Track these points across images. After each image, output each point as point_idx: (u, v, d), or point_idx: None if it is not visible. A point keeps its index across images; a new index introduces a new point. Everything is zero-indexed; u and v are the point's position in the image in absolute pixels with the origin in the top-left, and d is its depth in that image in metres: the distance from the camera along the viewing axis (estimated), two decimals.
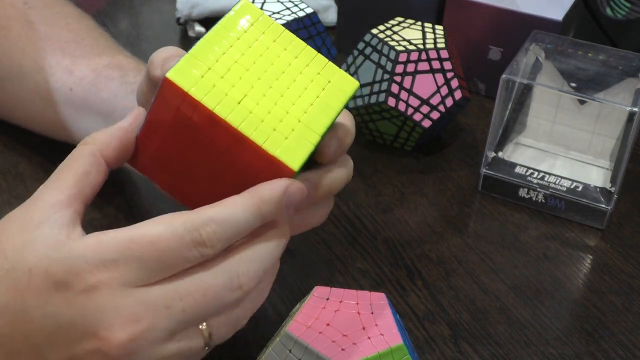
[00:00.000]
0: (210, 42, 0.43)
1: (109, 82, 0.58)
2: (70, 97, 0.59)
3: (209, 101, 0.40)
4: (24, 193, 0.63)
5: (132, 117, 0.43)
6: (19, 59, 0.62)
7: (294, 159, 0.41)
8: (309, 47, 0.45)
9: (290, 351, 0.43)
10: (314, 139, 0.42)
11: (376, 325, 0.44)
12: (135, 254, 0.37)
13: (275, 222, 0.41)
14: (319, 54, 0.45)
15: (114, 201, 0.62)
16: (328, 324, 0.44)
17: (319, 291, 0.46)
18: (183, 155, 0.43)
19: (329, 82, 0.44)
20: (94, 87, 0.58)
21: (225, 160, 0.41)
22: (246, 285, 0.39)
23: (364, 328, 0.44)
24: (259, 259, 0.40)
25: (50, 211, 0.39)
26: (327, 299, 0.46)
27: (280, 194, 0.40)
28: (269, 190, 0.40)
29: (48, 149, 0.66)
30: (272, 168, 0.41)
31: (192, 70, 0.41)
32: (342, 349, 0.43)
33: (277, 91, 0.43)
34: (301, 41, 0.45)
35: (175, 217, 0.38)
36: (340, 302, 0.46)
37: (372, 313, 0.45)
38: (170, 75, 0.40)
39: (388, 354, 0.43)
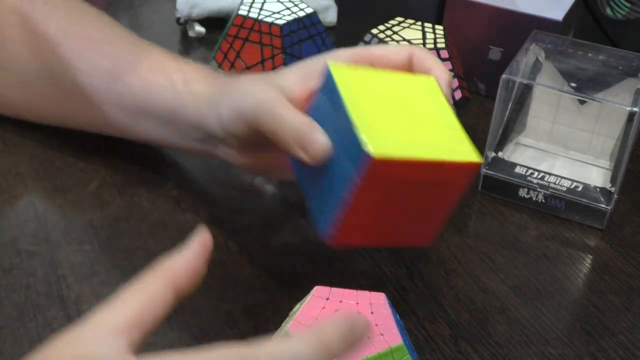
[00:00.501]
0: (356, 107, 0.47)
1: (162, 92, 0.58)
2: (121, 103, 0.59)
3: (403, 152, 0.45)
4: (24, 193, 0.63)
5: (201, 244, 0.40)
6: (49, 59, 0.62)
7: (471, 155, 0.47)
8: (409, 74, 0.53)
9: None
10: (462, 133, 0.49)
11: (376, 325, 0.44)
12: None
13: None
14: (424, 76, 0.52)
15: (115, 201, 0.62)
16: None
17: (319, 291, 0.46)
18: (383, 208, 0.48)
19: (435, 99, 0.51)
20: (147, 95, 0.58)
21: (420, 190, 0.48)
22: None
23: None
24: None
25: (106, 335, 0.36)
26: (327, 299, 0.45)
27: (343, 323, 0.36)
28: (330, 324, 0.36)
29: (48, 149, 0.66)
30: (462, 172, 0.48)
31: (380, 139, 0.45)
32: None
33: (417, 121, 0.49)
34: (395, 72, 0.53)
35: (234, 350, 0.34)
36: (340, 302, 0.45)
37: (372, 313, 0.45)
38: (378, 153, 0.44)
39: (388, 354, 0.43)
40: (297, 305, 0.47)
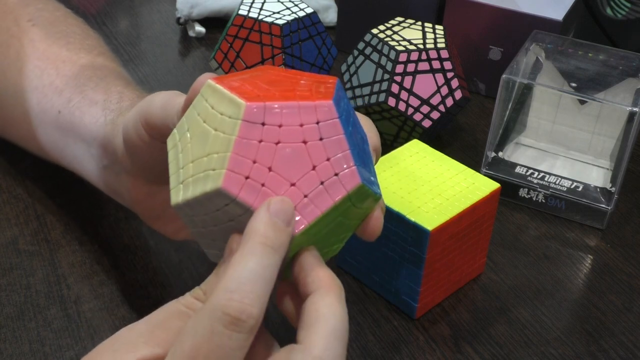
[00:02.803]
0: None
1: (92, 107, 0.54)
2: (58, 120, 0.56)
3: (444, 215, 0.53)
4: (24, 193, 0.63)
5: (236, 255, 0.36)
6: (15, 78, 0.60)
7: (489, 183, 0.56)
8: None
9: (226, 205, 0.36)
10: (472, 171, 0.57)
11: (328, 159, 0.36)
12: None
13: (323, 281, 0.36)
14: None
15: (115, 201, 0.62)
16: (270, 169, 0.36)
17: (249, 112, 0.36)
18: (446, 264, 0.55)
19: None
20: (78, 110, 0.55)
21: (466, 232, 0.55)
22: None
23: (314, 168, 0.36)
24: (339, 336, 0.34)
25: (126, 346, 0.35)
26: (263, 125, 0.36)
27: (267, 216, 0.35)
28: (258, 221, 0.35)
29: None
30: (490, 201, 0.56)
31: (419, 213, 0.52)
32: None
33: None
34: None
35: (197, 314, 0.34)
36: (280, 126, 0.36)
37: (320, 139, 0.37)
38: (432, 227, 0.51)
39: (345, 200, 0.36)
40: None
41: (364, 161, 0.38)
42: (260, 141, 0.36)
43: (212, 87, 0.37)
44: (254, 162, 0.35)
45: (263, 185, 0.35)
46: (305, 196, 0.36)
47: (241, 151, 0.35)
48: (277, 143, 0.36)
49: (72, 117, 0.55)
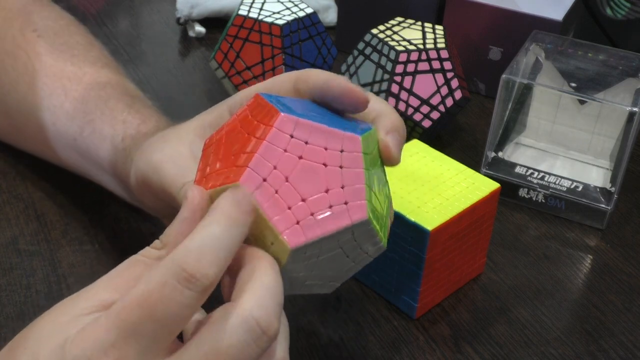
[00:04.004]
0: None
1: (103, 142, 0.55)
2: (75, 146, 0.58)
3: (444, 215, 0.53)
4: (24, 193, 0.63)
5: (193, 203, 0.38)
6: (24, 92, 0.61)
7: (487, 184, 0.56)
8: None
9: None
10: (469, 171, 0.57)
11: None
12: (128, 325, 0.33)
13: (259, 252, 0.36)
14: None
15: (115, 201, 0.62)
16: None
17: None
18: (445, 265, 0.55)
19: None
20: (92, 143, 0.56)
21: (465, 233, 0.55)
22: (270, 328, 0.34)
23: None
24: (272, 292, 0.35)
25: (93, 308, 0.36)
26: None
27: (232, 197, 0.35)
28: (224, 198, 0.35)
29: None
30: (490, 201, 0.56)
31: (419, 213, 0.53)
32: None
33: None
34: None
35: (156, 265, 0.34)
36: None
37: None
38: (431, 226, 0.51)
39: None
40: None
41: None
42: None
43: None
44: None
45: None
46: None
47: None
48: (299, 157, 0.37)
49: (87, 147, 0.57)
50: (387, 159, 0.41)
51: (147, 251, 0.38)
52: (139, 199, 0.51)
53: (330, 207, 0.37)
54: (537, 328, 0.55)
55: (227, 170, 0.37)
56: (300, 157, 0.37)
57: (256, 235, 0.36)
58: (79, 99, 0.58)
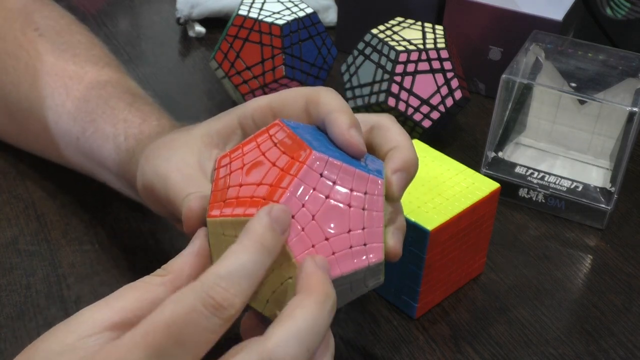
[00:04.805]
0: None
1: (105, 142, 0.55)
2: (78, 146, 0.58)
3: (444, 215, 0.53)
4: (24, 193, 0.63)
5: (199, 239, 0.40)
6: (26, 91, 0.60)
7: (487, 184, 0.56)
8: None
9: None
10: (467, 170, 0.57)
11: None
12: (154, 347, 0.33)
13: (312, 285, 0.36)
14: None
15: (115, 201, 0.62)
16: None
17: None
18: (446, 264, 0.55)
19: None
20: (95, 142, 0.56)
21: (466, 233, 0.55)
22: None
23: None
24: (302, 336, 0.34)
25: (96, 329, 0.35)
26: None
27: (267, 220, 0.36)
28: (257, 223, 0.36)
29: None
30: (489, 201, 0.56)
31: (419, 214, 0.52)
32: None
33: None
34: None
35: (183, 290, 0.35)
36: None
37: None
38: (431, 226, 0.51)
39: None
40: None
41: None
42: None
43: (218, 223, 0.39)
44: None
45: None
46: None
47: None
48: (326, 197, 0.38)
49: (90, 147, 0.57)
50: (388, 196, 0.42)
51: (147, 277, 0.38)
52: (145, 202, 0.51)
53: (350, 247, 0.38)
54: (537, 328, 0.55)
55: (253, 202, 0.38)
56: (327, 197, 0.38)
57: (273, 266, 0.37)
58: (80, 98, 0.58)
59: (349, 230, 0.38)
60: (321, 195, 0.38)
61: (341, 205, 0.38)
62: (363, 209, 0.39)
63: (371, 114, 0.46)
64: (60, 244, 0.59)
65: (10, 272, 0.56)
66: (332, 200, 0.38)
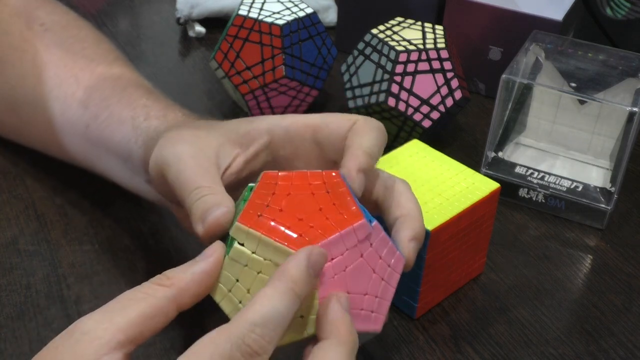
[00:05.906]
0: None
1: (121, 125, 0.55)
2: (86, 134, 0.57)
3: (444, 215, 0.53)
4: (24, 193, 0.63)
5: (214, 258, 0.40)
6: (32, 84, 0.60)
7: (487, 184, 0.56)
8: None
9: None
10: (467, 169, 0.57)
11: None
12: None
13: (341, 334, 0.38)
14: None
15: (115, 201, 0.62)
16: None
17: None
18: (446, 265, 0.55)
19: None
20: (108, 128, 0.55)
21: (466, 233, 0.55)
22: None
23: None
24: None
25: (104, 350, 0.36)
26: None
27: (305, 264, 0.38)
28: (295, 267, 0.37)
29: None
30: (489, 201, 0.56)
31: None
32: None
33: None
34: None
35: (217, 336, 0.35)
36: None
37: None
38: (432, 226, 0.51)
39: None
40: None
41: None
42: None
43: (246, 232, 0.40)
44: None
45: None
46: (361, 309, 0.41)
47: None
48: (361, 255, 0.41)
49: (101, 133, 0.56)
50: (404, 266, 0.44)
51: (149, 288, 0.38)
52: (151, 185, 0.51)
53: (361, 309, 0.41)
54: (537, 328, 0.55)
55: (288, 234, 0.39)
56: (362, 256, 0.40)
57: None
58: (93, 87, 0.58)
59: (366, 293, 0.41)
60: (358, 252, 0.40)
61: (369, 268, 0.41)
62: (382, 279, 0.41)
63: (391, 175, 0.47)
64: (60, 244, 0.59)
65: (10, 272, 0.56)
66: (364, 260, 0.40)
